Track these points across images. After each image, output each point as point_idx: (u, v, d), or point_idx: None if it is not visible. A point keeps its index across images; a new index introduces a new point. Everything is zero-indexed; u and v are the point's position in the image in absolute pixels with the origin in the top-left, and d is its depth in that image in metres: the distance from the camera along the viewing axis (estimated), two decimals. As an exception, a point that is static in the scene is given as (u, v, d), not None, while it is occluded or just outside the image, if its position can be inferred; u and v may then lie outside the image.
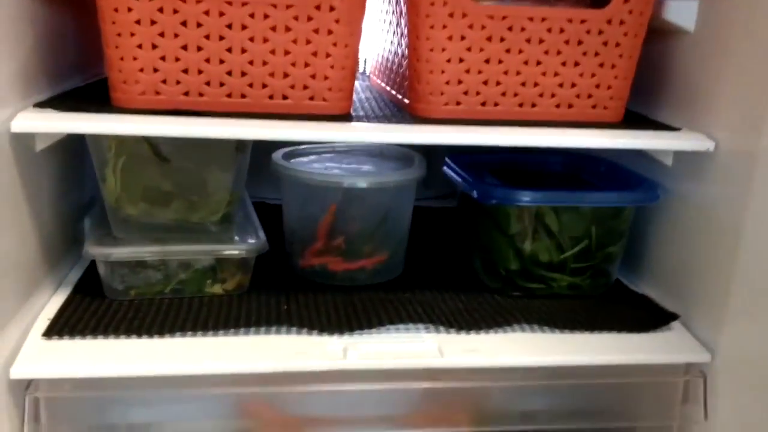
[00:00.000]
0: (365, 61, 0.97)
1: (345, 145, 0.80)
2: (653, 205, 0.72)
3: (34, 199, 0.63)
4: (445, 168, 0.79)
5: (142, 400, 0.57)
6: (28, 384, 0.57)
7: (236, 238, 0.70)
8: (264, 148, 0.72)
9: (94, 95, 0.65)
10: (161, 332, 0.61)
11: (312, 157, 0.78)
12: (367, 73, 0.95)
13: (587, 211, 0.71)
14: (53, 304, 0.65)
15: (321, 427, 0.62)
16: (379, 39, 0.84)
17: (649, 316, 0.68)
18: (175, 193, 0.68)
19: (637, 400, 0.65)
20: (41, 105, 0.60)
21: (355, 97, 0.77)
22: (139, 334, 0.60)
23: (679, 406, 0.65)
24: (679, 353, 0.64)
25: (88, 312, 0.63)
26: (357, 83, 0.89)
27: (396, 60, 0.74)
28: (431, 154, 0.80)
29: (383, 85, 0.82)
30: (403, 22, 0.68)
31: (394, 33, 0.74)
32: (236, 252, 0.67)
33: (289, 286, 0.71)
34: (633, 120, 0.70)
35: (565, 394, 0.63)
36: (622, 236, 0.73)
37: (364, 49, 0.90)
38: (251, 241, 0.69)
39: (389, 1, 0.75)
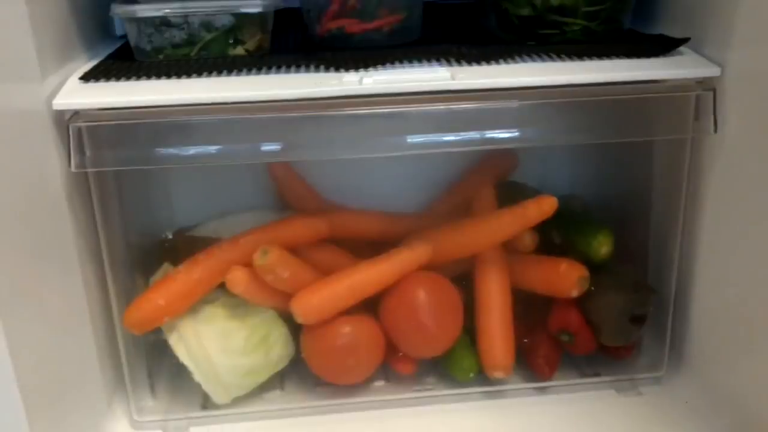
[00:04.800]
0: None
1: None
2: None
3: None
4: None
5: (177, 128, 0.62)
6: (70, 117, 0.61)
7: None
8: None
9: None
10: (189, 73, 0.65)
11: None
12: None
13: (597, -51, 0.71)
14: (88, 66, 0.69)
15: (341, 151, 0.65)
16: None
17: (661, 43, 0.70)
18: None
19: (653, 116, 0.67)
20: None
21: None
22: (169, 76, 0.64)
23: (691, 120, 0.66)
24: (690, 69, 0.66)
25: (122, 65, 0.68)
26: None
27: None
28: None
29: None
30: None
31: None
32: (253, 6, 0.70)
33: (309, 50, 0.74)
34: None
35: (583, 112, 0.65)
36: (634, -25, 0.74)
37: None
38: (267, -1, 0.72)
39: None
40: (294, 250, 0.74)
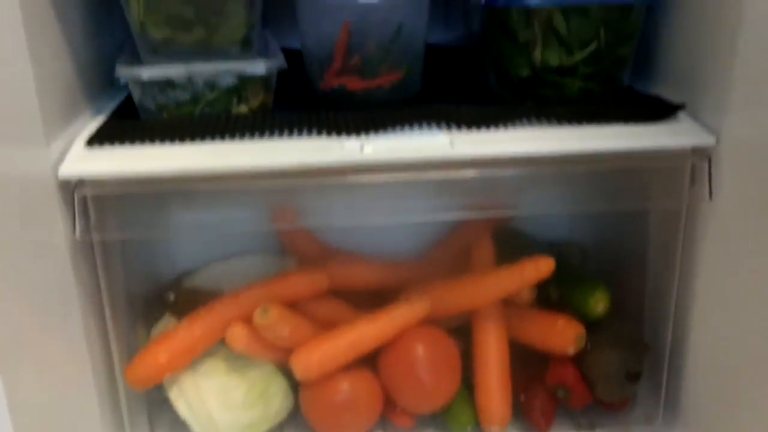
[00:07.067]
0: None
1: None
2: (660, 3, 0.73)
3: (69, 34, 0.68)
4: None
5: (178, 195, 0.63)
6: (75, 185, 0.62)
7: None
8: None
9: None
10: (193, 137, 0.66)
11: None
12: None
13: (596, 13, 0.72)
14: (93, 126, 0.70)
15: (340, 219, 0.66)
16: None
17: (657, 109, 0.71)
18: (195, 19, 0.71)
19: (647, 185, 0.68)
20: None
21: None
22: (173, 140, 0.65)
23: (687, 188, 0.67)
24: (685, 137, 0.67)
25: (126, 127, 0.68)
26: None
27: None
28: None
29: None
30: None
31: None
32: (257, 69, 0.71)
33: (310, 107, 0.75)
34: None
35: (579, 180, 0.66)
36: (631, 38, 0.75)
37: None
38: (272, 59, 0.72)
39: None
40: (294, 303, 0.75)
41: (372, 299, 0.81)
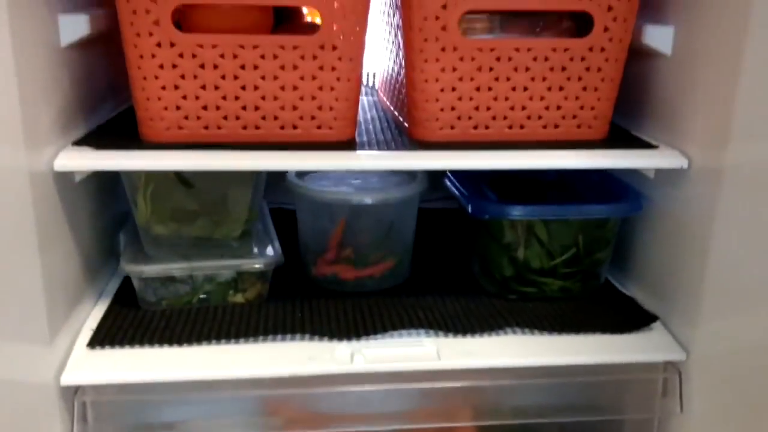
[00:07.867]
0: (374, 75, 1.03)
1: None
2: (635, 215, 0.78)
3: (75, 222, 0.71)
4: (445, 180, 0.85)
5: (175, 401, 0.65)
6: (76, 390, 0.65)
7: (255, 251, 0.77)
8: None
9: (125, 129, 0.72)
10: (190, 341, 0.69)
11: (323, 174, 0.85)
12: (376, 87, 1.02)
13: (574, 221, 0.77)
14: (95, 315, 0.73)
15: (332, 423, 0.69)
16: (384, 59, 0.90)
17: (632, 318, 0.75)
18: (200, 213, 0.75)
19: (621, 395, 0.72)
20: (79, 143, 0.67)
21: (361, 116, 0.84)
22: (171, 343, 0.68)
23: (659, 400, 0.71)
24: (658, 352, 0.71)
25: (126, 322, 0.71)
26: (365, 99, 0.96)
27: (397, 87, 0.80)
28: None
29: (388, 103, 0.88)
30: (401, 54, 0.74)
31: (394, 62, 0.80)
32: (255, 265, 0.74)
33: (303, 294, 0.79)
34: (616, 137, 0.76)
35: (555, 392, 0.70)
36: (608, 243, 0.79)
37: (373, 65, 0.96)
38: (269, 254, 0.76)
39: (390, 35, 0.81)
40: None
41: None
